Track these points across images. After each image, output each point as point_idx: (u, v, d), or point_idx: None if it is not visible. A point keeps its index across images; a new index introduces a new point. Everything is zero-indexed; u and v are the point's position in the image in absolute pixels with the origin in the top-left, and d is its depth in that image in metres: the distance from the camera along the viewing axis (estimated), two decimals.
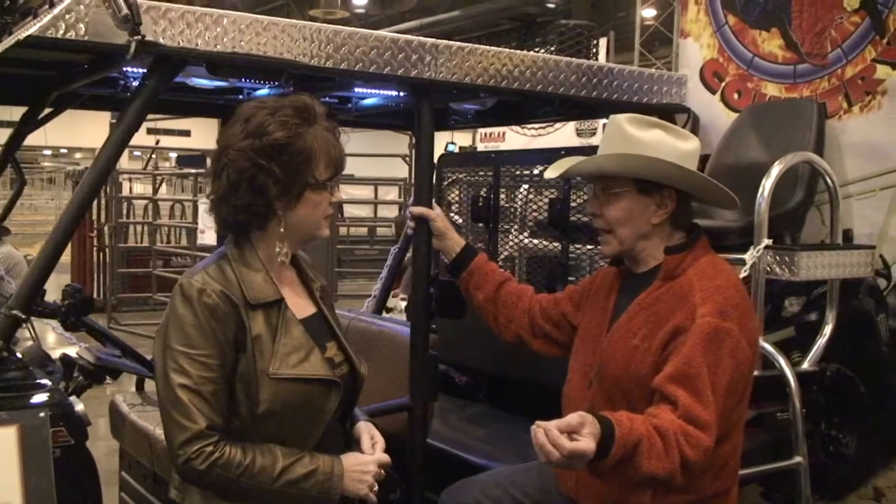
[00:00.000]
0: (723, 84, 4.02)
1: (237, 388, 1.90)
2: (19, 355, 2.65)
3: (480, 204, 3.63)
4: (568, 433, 1.80)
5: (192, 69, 2.47)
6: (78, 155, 32.72)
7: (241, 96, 3.08)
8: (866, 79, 3.57)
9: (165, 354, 1.87)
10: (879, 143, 3.50)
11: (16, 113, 3.24)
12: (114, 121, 2.68)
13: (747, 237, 3.00)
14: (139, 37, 2.09)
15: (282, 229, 1.97)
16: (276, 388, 1.89)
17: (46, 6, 2.11)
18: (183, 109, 3.47)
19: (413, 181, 3.09)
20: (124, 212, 12.19)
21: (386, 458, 2.07)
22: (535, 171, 3.52)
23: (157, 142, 12.88)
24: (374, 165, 14.39)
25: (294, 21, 2.44)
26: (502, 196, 3.69)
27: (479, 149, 10.17)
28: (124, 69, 2.63)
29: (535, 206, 3.63)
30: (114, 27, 2.08)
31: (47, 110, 3.13)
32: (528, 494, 2.47)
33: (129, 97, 2.36)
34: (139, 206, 13.42)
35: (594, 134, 8.62)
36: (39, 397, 2.30)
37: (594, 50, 3.75)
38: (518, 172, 3.64)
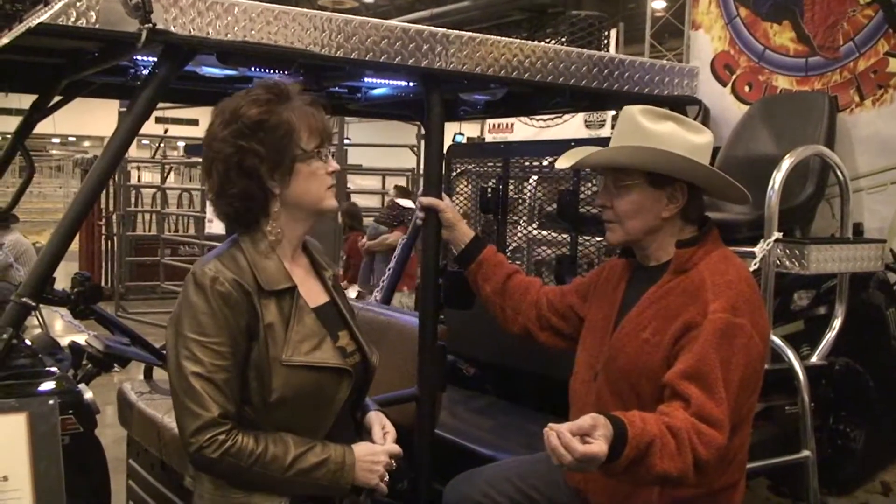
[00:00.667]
0: (734, 76, 4.00)
1: (250, 375, 1.90)
2: (28, 343, 2.66)
3: (489, 195, 3.63)
4: (580, 436, 1.79)
5: (202, 58, 2.46)
6: (86, 143, 32.75)
7: (250, 85, 3.07)
8: (879, 72, 3.54)
9: (178, 342, 1.87)
10: (891, 137, 3.47)
11: (25, 101, 3.24)
12: (123, 109, 2.68)
13: (757, 230, 2.98)
14: (150, 25, 2.09)
15: (276, 208, 1.96)
16: (288, 375, 1.90)
17: None
18: (192, 98, 3.46)
19: (422, 171, 3.08)
20: (132, 200, 12.24)
21: (397, 448, 2.07)
22: (545, 163, 3.51)
23: (166, 130, 12.85)
24: (381, 155, 14.39)
25: (305, 10, 2.43)
26: (511, 187, 3.68)
27: (487, 140, 10.14)
28: (135, 57, 2.63)
29: (544, 198, 3.62)
30: (125, 15, 2.08)
31: (57, 98, 3.12)
32: (535, 486, 2.46)
33: (139, 86, 2.35)
34: (147, 195, 13.47)
35: (603, 125, 8.60)
36: (48, 385, 2.32)
37: (605, 41, 3.74)
38: (527, 164, 3.63)
